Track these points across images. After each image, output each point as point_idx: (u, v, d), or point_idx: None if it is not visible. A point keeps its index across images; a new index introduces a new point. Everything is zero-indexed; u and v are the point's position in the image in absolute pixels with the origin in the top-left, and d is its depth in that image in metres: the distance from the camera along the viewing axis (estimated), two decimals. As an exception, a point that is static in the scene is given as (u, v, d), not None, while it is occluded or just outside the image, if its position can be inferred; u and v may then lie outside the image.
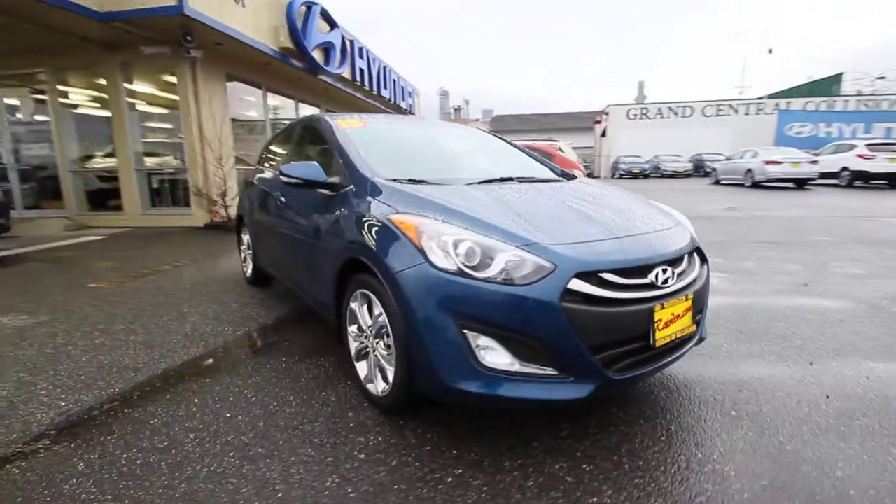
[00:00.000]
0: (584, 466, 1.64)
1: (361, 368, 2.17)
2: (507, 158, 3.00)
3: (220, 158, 7.35)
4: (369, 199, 2.10)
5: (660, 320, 1.72)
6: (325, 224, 2.36)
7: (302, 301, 3.62)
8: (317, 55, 8.82)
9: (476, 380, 1.60)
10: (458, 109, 43.26)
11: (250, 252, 4.13)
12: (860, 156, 14.48)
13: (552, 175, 2.83)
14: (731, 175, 17.15)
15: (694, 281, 1.92)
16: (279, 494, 1.54)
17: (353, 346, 2.20)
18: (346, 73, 10.45)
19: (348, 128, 2.71)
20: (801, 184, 15.12)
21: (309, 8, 8.34)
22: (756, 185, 15.59)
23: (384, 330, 1.92)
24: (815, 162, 14.71)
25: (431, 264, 1.66)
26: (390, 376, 1.90)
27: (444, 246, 1.67)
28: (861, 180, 14.71)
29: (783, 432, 1.82)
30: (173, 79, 7.26)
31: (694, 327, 1.90)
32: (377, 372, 2.04)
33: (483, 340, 1.60)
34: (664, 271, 1.78)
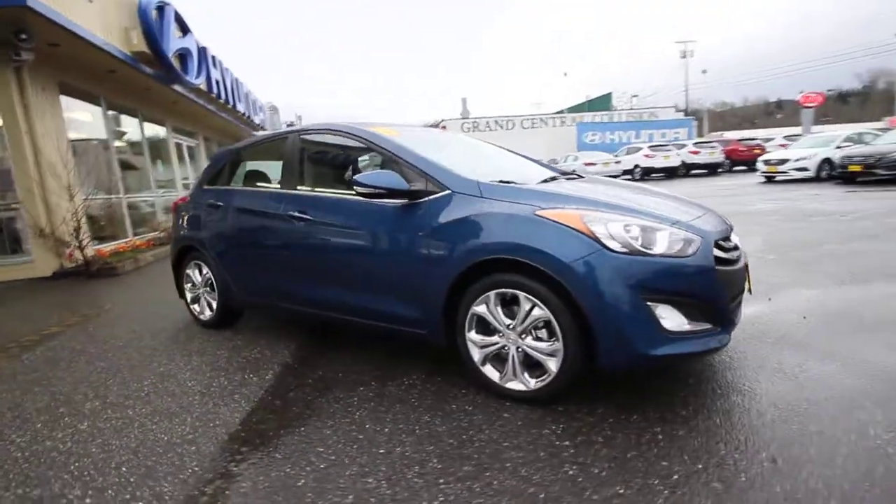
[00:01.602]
0: (734, 398, 2.01)
1: (491, 372, 2.16)
2: (522, 160, 3.24)
3: (69, 187, 5.83)
4: (486, 200, 2.13)
5: (748, 273, 2.20)
6: (415, 233, 2.26)
7: (307, 327, 3.29)
8: (174, 62, 7.64)
9: (662, 344, 1.83)
10: (290, 125, 41.18)
11: (206, 289, 3.51)
12: (646, 155, 18.72)
13: (566, 172, 3.17)
14: (559, 176, 20.27)
15: None
16: (542, 494, 1.52)
17: (476, 352, 2.18)
18: (203, 84, 9.26)
19: (395, 136, 2.61)
20: (610, 180, 18.74)
21: (161, 10, 7.19)
22: (580, 183, 18.79)
23: (533, 324, 1.99)
24: (618, 162, 18.46)
25: (608, 249, 1.83)
26: (553, 366, 1.97)
27: (616, 231, 1.85)
28: (647, 174, 18.98)
29: (813, 343, 2.48)
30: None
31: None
32: (520, 369, 2.08)
33: (661, 309, 1.84)
34: (735, 236, 2.27)
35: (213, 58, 9.83)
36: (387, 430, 2.00)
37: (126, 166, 8.21)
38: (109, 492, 1.73)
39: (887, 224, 5.75)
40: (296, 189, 2.89)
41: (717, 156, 19.31)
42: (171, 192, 10.07)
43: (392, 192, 2.29)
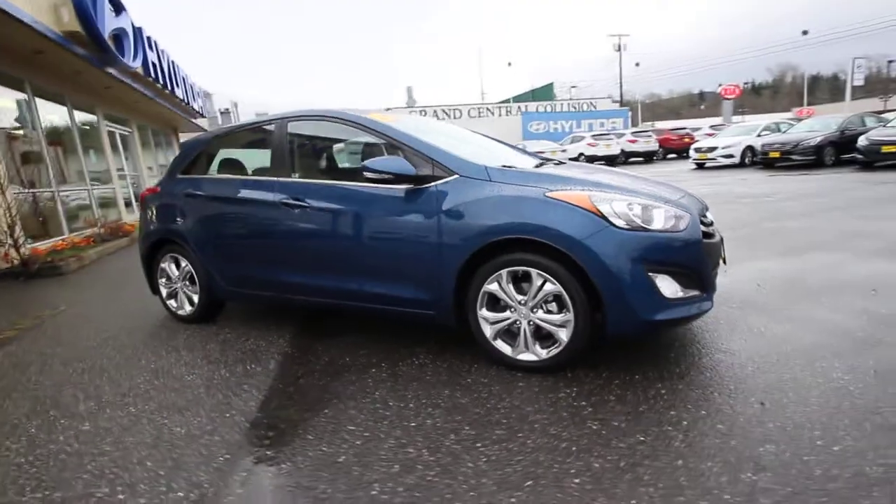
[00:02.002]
0: (717, 356, 2.28)
1: (502, 346, 2.30)
2: (505, 146, 3.37)
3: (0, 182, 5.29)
4: (496, 183, 2.24)
5: (723, 246, 2.47)
6: (425, 217, 2.33)
7: (295, 316, 3.30)
8: (110, 43, 7.05)
9: (663, 310, 2.04)
10: (225, 113, 38.87)
11: (185, 283, 3.38)
12: (589, 144, 19.60)
13: (549, 159, 3.35)
14: (508, 165, 20.75)
15: None
16: (574, 447, 1.68)
17: (488, 328, 2.31)
18: (140, 67, 8.60)
19: (394, 123, 2.65)
20: (557, 167, 19.48)
21: (95, -16, 6.58)
22: (529, 171, 19.39)
23: (544, 298, 2.15)
24: (564, 150, 19.19)
25: (614, 226, 2.01)
26: (564, 336, 2.14)
27: (621, 209, 2.04)
28: (591, 163, 19.90)
29: (771, 307, 2.83)
30: None
31: (721, 251, 2.74)
32: (531, 341, 2.23)
33: (660, 278, 2.05)
34: (709, 213, 2.54)
35: (150, 39, 9.13)
36: (411, 405, 2.09)
37: (56, 158, 7.51)
38: (141, 486, 1.69)
39: (809, 203, 6.50)
40: (289, 176, 2.85)
41: (652, 144, 20.61)
42: (106, 185, 9.34)
43: (399, 178, 2.35)
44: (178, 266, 3.42)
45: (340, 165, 3.11)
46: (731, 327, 2.60)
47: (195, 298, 3.37)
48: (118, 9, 7.59)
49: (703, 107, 70.88)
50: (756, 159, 13.44)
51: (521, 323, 2.23)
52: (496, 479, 1.56)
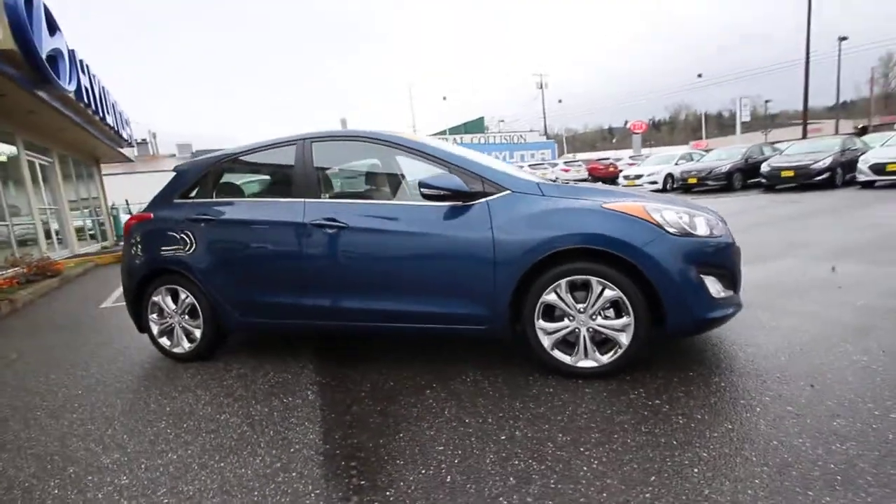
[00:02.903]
0: (750, 350, 2.50)
1: (560, 355, 2.35)
2: (515, 166, 3.52)
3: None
4: (550, 198, 2.35)
5: (737, 251, 2.76)
6: (480, 232, 2.36)
7: (306, 344, 3.15)
8: (46, 65, 6.43)
9: (713, 309, 2.23)
10: (142, 143, 36.30)
11: (184, 317, 3.09)
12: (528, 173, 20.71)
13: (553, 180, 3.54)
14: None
15: None
16: (673, 441, 1.76)
17: (545, 338, 2.36)
18: (73, 92, 7.87)
19: (431, 142, 2.70)
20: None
21: (30, 1, 6.02)
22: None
23: (603, 305, 2.25)
24: (505, 179, 20.12)
25: (669, 233, 2.18)
26: (624, 340, 2.25)
27: (672, 218, 2.22)
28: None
29: (768, 306, 3.16)
30: None
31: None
32: (591, 348, 2.31)
33: (708, 280, 2.24)
34: (721, 223, 2.84)
35: (82, 62, 8.43)
36: (490, 419, 2.07)
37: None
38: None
39: (739, 221, 7.33)
40: (317, 197, 2.76)
41: (582, 173, 22.26)
42: (27, 220, 8.29)
43: (456, 194, 2.38)
44: (175, 299, 3.12)
45: (374, 185, 3.07)
46: (748, 324, 2.87)
47: (197, 334, 3.08)
48: (53, 29, 6.96)
49: (614, 140, 77.91)
50: (675, 185, 14.94)
51: (580, 330, 2.31)
52: (619, 478, 1.59)
